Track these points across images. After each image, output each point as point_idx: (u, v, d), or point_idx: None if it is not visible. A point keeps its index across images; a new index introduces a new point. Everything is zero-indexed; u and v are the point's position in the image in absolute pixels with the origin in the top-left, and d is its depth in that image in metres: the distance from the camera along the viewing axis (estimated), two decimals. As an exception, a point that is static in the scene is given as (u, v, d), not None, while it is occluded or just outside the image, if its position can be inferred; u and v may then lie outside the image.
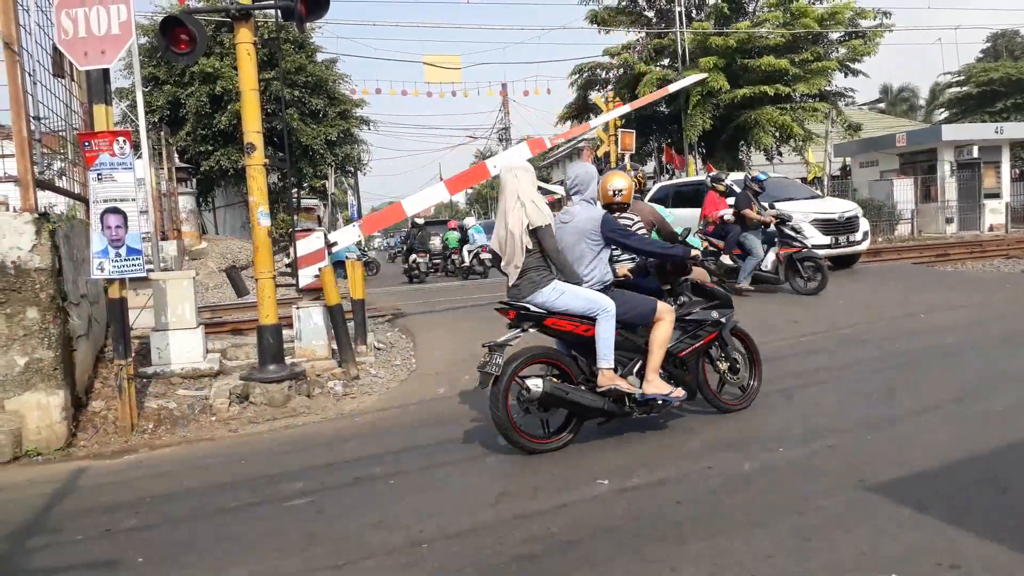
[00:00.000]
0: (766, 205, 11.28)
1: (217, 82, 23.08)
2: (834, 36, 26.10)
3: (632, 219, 6.43)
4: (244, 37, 6.67)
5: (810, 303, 10.03)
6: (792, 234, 10.97)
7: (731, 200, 11.36)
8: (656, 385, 5.01)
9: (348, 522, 3.98)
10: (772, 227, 10.90)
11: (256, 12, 6.92)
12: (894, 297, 10.43)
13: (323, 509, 4.20)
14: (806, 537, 3.36)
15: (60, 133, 7.55)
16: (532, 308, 4.89)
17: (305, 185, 27.31)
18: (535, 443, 4.86)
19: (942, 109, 43.38)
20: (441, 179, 13.34)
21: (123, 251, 5.94)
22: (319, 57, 26.82)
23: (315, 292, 8.44)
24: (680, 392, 5.12)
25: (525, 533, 3.64)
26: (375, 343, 8.97)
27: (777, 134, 25.27)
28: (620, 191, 6.20)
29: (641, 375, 5.08)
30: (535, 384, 4.80)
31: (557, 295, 4.88)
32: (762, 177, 11.46)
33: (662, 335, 5.02)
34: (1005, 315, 8.70)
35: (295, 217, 13.95)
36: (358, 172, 30.89)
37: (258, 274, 6.91)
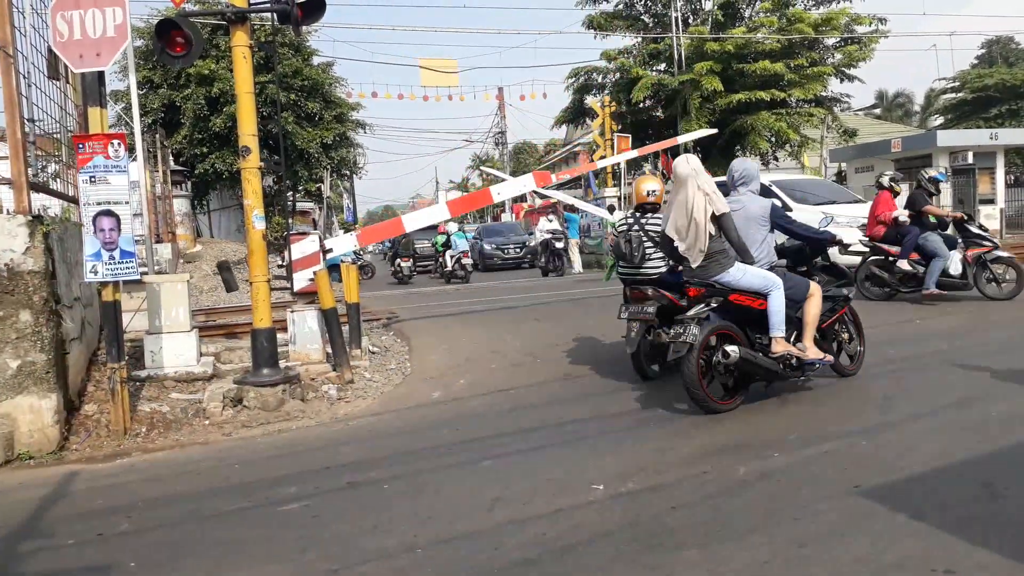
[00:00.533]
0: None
1: (213, 84, 23.06)
2: (830, 42, 26.17)
3: None
4: (240, 40, 6.66)
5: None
6: (980, 233, 9.98)
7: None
8: (813, 351, 5.77)
9: (342, 527, 3.96)
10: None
11: (252, 15, 6.91)
12: (891, 303, 10.43)
13: (317, 514, 4.17)
14: (802, 544, 3.35)
15: (55, 135, 7.52)
16: (718, 285, 5.58)
17: (300, 188, 27.28)
18: (719, 404, 5.55)
19: (937, 115, 43.53)
20: (446, 197, 13.49)
21: (116, 254, 5.91)
22: (315, 60, 26.82)
23: (310, 295, 8.41)
24: (830, 357, 5.97)
25: (521, 538, 3.63)
26: (370, 347, 8.95)
27: (773, 139, 25.32)
28: (653, 191, 6.82)
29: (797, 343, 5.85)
30: (733, 350, 5.40)
31: (741, 274, 5.58)
32: (941, 177, 10.61)
33: (815, 309, 5.80)
34: (1000, 321, 8.71)
35: (290, 220, 13.96)
36: (353, 175, 30.87)
37: (252, 278, 6.89)
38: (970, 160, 24.45)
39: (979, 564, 3.04)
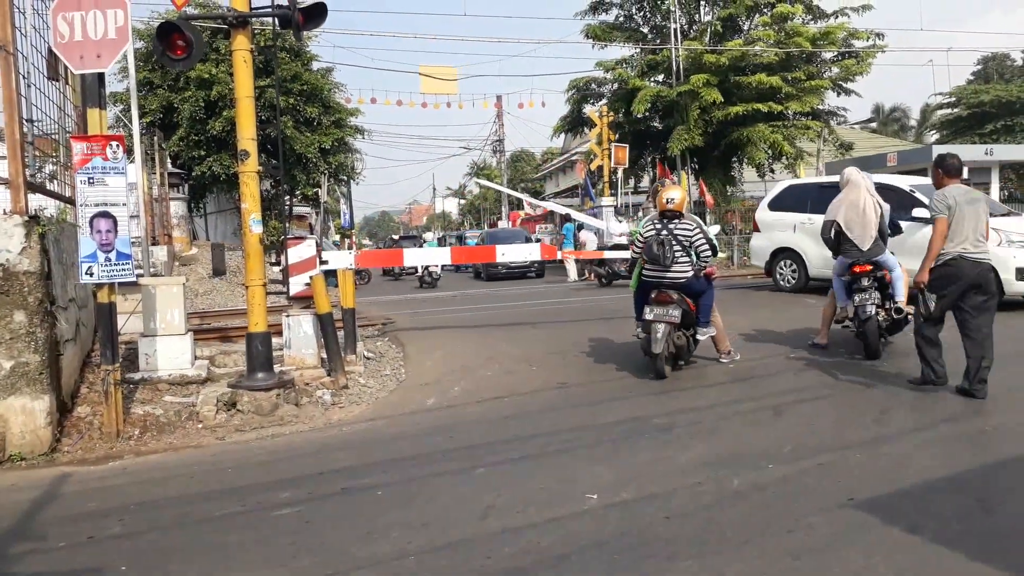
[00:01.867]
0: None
1: (212, 88, 23.06)
2: (827, 56, 26.30)
3: (691, 224, 7.31)
4: (241, 44, 6.66)
5: (801, 321, 10.01)
6: None
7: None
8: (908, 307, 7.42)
9: (335, 533, 3.94)
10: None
11: (253, 20, 6.92)
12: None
13: (310, 519, 4.15)
14: (796, 556, 3.34)
15: (53, 136, 7.51)
16: (879, 263, 7.55)
17: (298, 193, 27.26)
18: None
19: (933, 130, 43.72)
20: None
21: (113, 256, 5.90)
22: (315, 65, 26.85)
23: (305, 300, 8.40)
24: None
25: (514, 547, 3.62)
26: (364, 353, 8.94)
27: (769, 151, 25.41)
28: (673, 200, 7.35)
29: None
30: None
31: (887, 256, 7.66)
32: None
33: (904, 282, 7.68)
34: (1001, 336, 8.71)
35: (287, 224, 13.97)
36: (351, 181, 30.84)
37: (248, 281, 6.87)
38: (966, 175, 24.55)
39: (973, 579, 3.05)
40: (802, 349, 8.18)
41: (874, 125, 51.56)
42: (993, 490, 4.02)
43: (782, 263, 13.28)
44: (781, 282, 13.22)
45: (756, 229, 14.21)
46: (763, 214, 13.91)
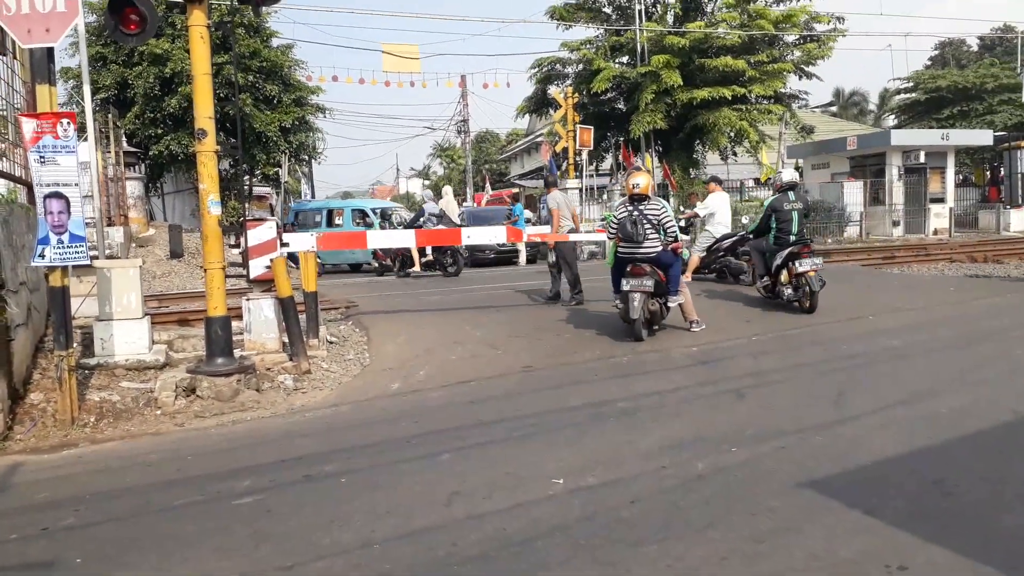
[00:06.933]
0: None
1: (167, 64, 22.44)
2: (790, 39, 26.48)
3: (659, 205, 8.16)
4: (197, 20, 6.47)
5: (761, 304, 10.13)
6: None
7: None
8: None
9: (298, 521, 3.89)
10: None
11: (210, -6, 6.73)
12: (842, 299, 10.62)
13: (272, 508, 4.09)
14: (759, 540, 3.38)
15: (1, 113, 7.25)
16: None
17: (258, 172, 26.76)
18: None
19: (891, 114, 44.39)
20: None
21: (66, 238, 5.72)
22: (274, 42, 26.28)
23: (266, 283, 8.26)
24: None
25: (479, 534, 3.60)
26: (327, 337, 8.83)
27: (732, 135, 25.56)
28: (639, 184, 8.11)
29: None
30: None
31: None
32: None
33: None
34: (950, 318, 8.94)
35: (247, 205, 13.65)
36: (312, 160, 30.36)
37: (207, 264, 6.73)
38: (922, 159, 25.00)
39: (931, 560, 3.11)
40: (765, 333, 8.29)
41: (834, 109, 52.25)
42: (949, 472, 4.10)
43: None
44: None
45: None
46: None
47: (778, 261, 9.42)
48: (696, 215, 12.41)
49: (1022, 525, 3.46)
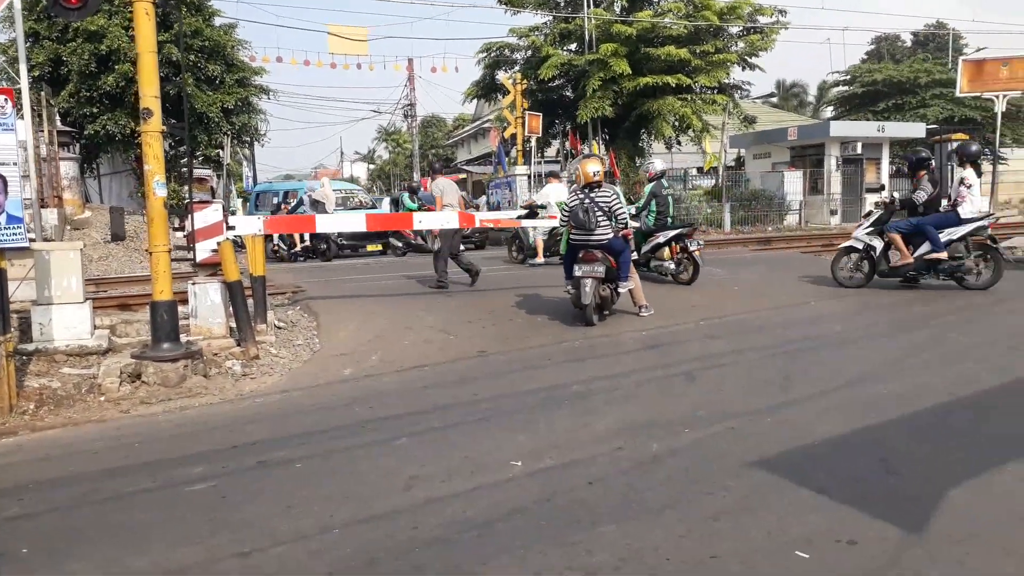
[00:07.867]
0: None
1: (103, 41, 21.62)
2: (734, 30, 26.87)
3: (610, 192, 8.28)
4: (141, -6, 6.26)
5: (707, 290, 10.33)
6: None
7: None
8: None
9: (253, 508, 3.83)
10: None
11: (154, -32, 6.50)
12: (785, 286, 10.90)
13: (226, 495, 4.02)
14: (715, 518, 3.46)
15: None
16: None
17: (199, 154, 26.03)
18: None
19: (829, 106, 45.47)
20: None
21: (2, 219, 5.51)
22: (217, 21, 25.56)
23: (212, 267, 8.08)
24: None
25: (439, 517, 3.61)
26: (275, 322, 8.69)
27: (677, 124, 25.86)
28: (597, 172, 8.29)
29: None
30: None
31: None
32: None
33: None
34: (889, 304, 9.22)
35: (190, 187, 13.31)
36: (255, 142, 29.66)
37: (152, 247, 6.55)
38: (859, 150, 25.74)
39: (880, 535, 3.23)
40: (711, 318, 8.45)
41: (775, 100, 53.27)
42: (892, 452, 4.26)
43: None
44: None
45: None
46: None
47: (661, 240, 10.76)
48: (535, 203, 13.20)
49: (967, 500, 3.61)
